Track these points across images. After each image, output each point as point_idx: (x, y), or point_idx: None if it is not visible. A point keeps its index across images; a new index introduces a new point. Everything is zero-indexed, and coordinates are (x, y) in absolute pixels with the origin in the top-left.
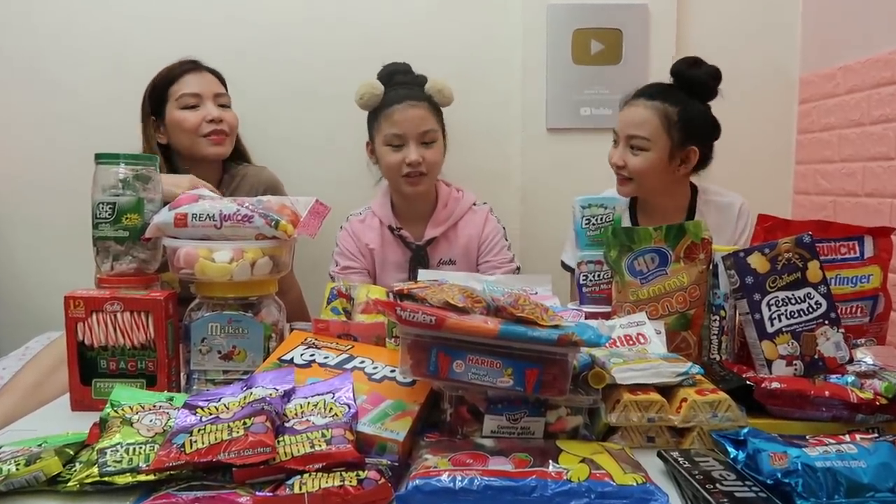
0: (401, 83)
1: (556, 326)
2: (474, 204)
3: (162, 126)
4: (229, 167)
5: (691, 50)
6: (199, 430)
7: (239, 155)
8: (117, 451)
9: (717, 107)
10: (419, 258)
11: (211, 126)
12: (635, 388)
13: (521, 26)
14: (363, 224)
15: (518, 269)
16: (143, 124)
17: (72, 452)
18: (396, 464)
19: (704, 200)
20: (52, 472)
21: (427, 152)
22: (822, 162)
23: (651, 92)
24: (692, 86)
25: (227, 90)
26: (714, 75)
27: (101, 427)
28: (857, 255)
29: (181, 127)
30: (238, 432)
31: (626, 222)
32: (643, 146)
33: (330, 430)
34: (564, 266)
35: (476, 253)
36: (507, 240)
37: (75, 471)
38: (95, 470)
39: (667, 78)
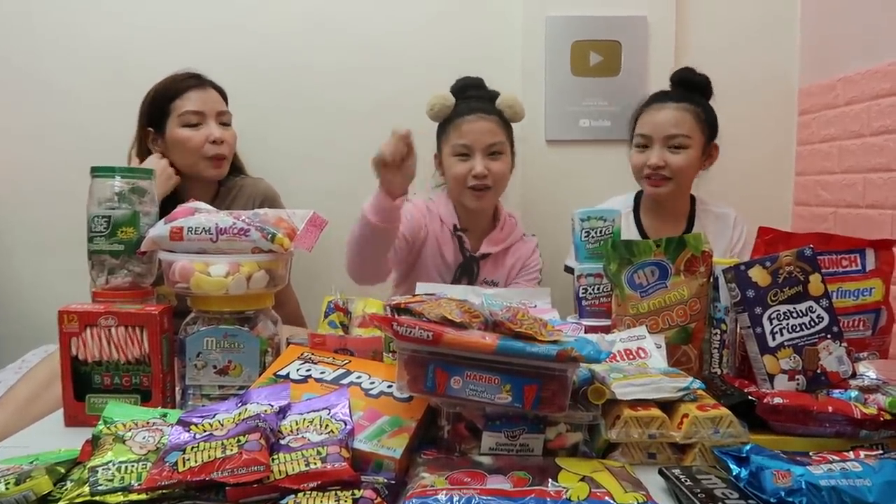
0: (472, 97)
1: (555, 342)
2: (524, 234)
3: (160, 139)
4: (225, 180)
5: (690, 62)
6: (192, 448)
7: (234, 167)
8: (109, 469)
9: (718, 117)
10: (469, 267)
11: (213, 148)
12: (636, 403)
13: (520, 38)
14: (429, 211)
15: None
16: (139, 134)
17: (63, 471)
18: (393, 482)
19: (703, 210)
20: (42, 492)
21: (493, 164)
22: (822, 173)
23: (674, 95)
24: (699, 88)
25: (227, 106)
26: (708, 80)
27: (94, 444)
28: (859, 267)
29: (183, 146)
30: (232, 450)
31: (631, 226)
32: (684, 144)
33: (325, 447)
34: (568, 269)
35: (513, 279)
36: (540, 275)
37: (66, 490)
38: (86, 489)
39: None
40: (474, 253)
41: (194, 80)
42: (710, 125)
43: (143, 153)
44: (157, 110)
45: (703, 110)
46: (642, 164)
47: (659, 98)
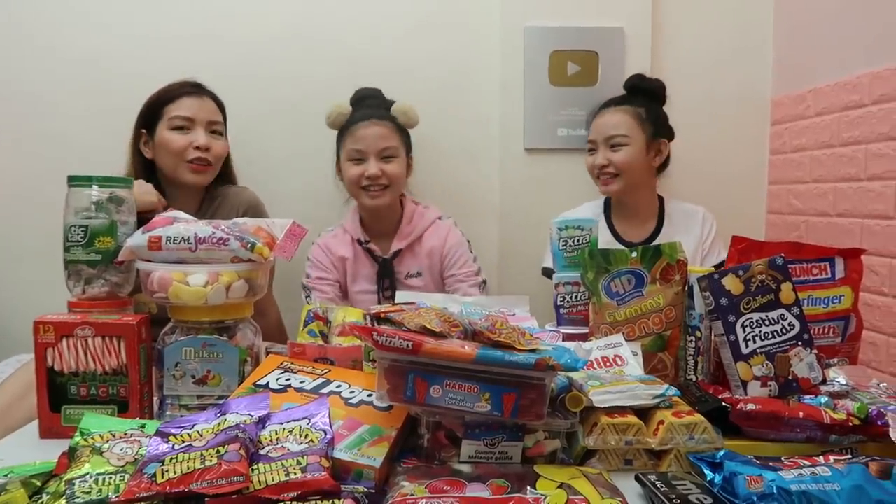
0: (369, 106)
1: (533, 350)
2: (439, 218)
3: (150, 142)
4: (211, 189)
5: (666, 72)
6: (171, 459)
7: (225, 178)
8: (86, 481)
9: (691, 127)
10: (386, 271)
11: (196, 153)
12: (612, 410)
13: (499, 48)
14: (335, 239)
15: (484, 282)
16: (133, 136)
17: (39, 483)
18: (373, 490)
19: (671, 207)
20: None
21: (387, 166)
22: (794, 182)
23: (617, 100)
24: (647, 92)
25: (224, 118)
26: (662, 85)
27: (70, 456)
28: (829, 276)
29: (167, 148)
30: (211, 461)
31: (604, 230)
32: (623, 142)
33: (305, 457)
34: (546, 272)
35: (440, 265)
36: (472, 252)
37: (42, 503)
38: (63, 502)
39: None
40: (386, 255)
41: (191, 88)
42: (652, 123)
43: (136, 154)
44: (151, 113)
45: (646, 110)
46: (591, 166)
47: (603, 105)
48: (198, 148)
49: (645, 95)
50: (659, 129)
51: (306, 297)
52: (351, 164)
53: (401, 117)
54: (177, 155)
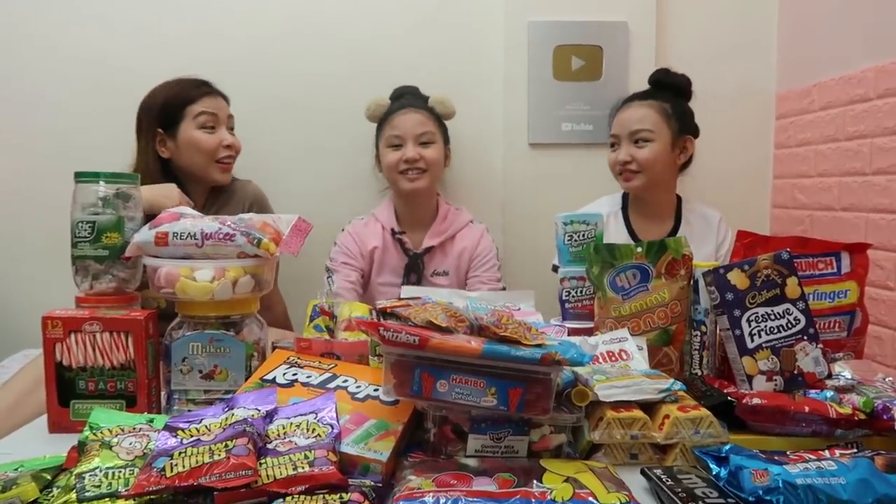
0: (407, 98)
1: (539, 345)
2: (471, 221)
3: (169, 141)
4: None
5: (670, 67)
6: (179, 453)
7: None
8: (96, 475)
9: (697, 121)
10: (415, 265)
11: (226, 151)
12: (618, 405)
13: (502, 42)
14: (365, 227)
15: (503, 289)
16: (146, 136)
17: (49, 477)
18: (380, 485)
19: (689, 209)
20: (29, 499)
21: (425, 150)
22: (798, 176)
23: (642, 94)
24: (672, 88)
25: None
26: (688, 80)
27: (80, 450)
28: (835, 270)
29: (198, 147)
30: (220, 455)
31: (620, 226)
32: (648, 138)
33: (313, 451)
34: (556, 270)
35: (467, 266)
36: (498, 260)
37: (53, 496)
38: (74, 495)
39: None
40: (417, 250)
41: (207, 87)
42: (678, 119)
43: (150, 153)
44: (167, 114)
45: (670, 106)
46: (614, 162)
47: (627, 99)
48: (227, 146)
49: (670, 90)
50: (685, 126)
51: (328, 279)
52: (389, 150)
53: (438, 107)
54: (208, 154)
